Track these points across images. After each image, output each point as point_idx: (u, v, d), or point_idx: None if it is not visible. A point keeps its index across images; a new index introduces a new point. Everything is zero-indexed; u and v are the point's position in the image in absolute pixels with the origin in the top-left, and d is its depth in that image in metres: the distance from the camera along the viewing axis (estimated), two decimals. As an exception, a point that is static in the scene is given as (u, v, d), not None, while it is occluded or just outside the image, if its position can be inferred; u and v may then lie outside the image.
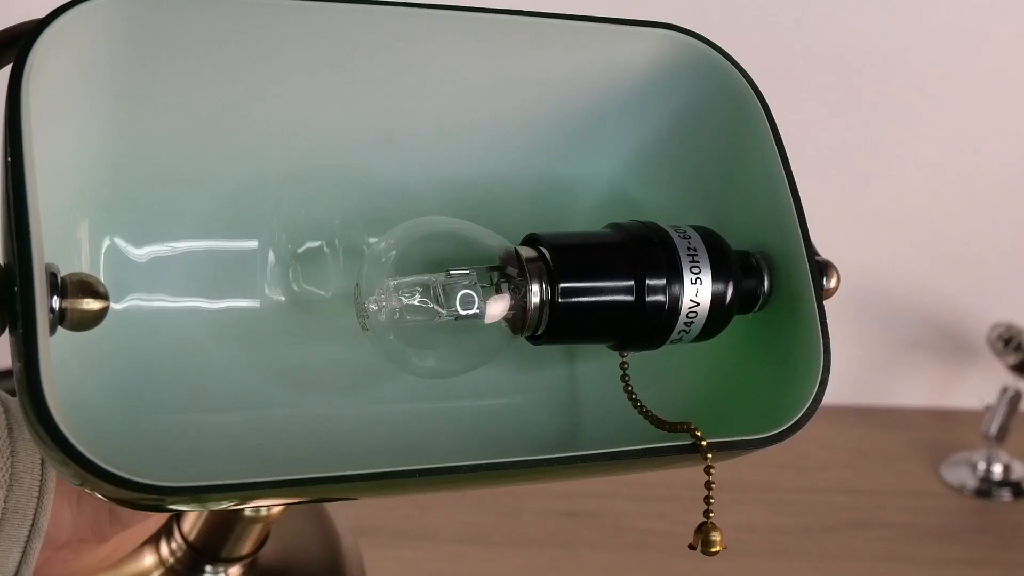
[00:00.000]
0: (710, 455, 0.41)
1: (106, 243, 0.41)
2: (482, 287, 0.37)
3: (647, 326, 0.38)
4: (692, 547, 0.41)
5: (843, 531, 1.04)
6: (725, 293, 0.40)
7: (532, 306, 0.37)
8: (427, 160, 0.42)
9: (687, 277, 0.38)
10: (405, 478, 0.34)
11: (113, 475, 0.33)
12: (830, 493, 1.09)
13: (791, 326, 0.42)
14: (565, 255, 0.38)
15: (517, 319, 0.37)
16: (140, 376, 0.42)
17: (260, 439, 0.42)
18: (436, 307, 0.36)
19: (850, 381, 1.25)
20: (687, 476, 1.18)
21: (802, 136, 1.20)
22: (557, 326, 0.37)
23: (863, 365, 1.25)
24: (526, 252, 0.38)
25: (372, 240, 0.41)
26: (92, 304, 0.34)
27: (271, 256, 0.42)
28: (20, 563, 0.41)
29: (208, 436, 0.42)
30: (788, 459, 1.15)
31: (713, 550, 0.41)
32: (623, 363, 0.41)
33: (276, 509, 0.54)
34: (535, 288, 0.37)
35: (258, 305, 0.42)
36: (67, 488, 0.43)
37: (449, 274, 0.37)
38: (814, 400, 0.43)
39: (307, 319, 0.43)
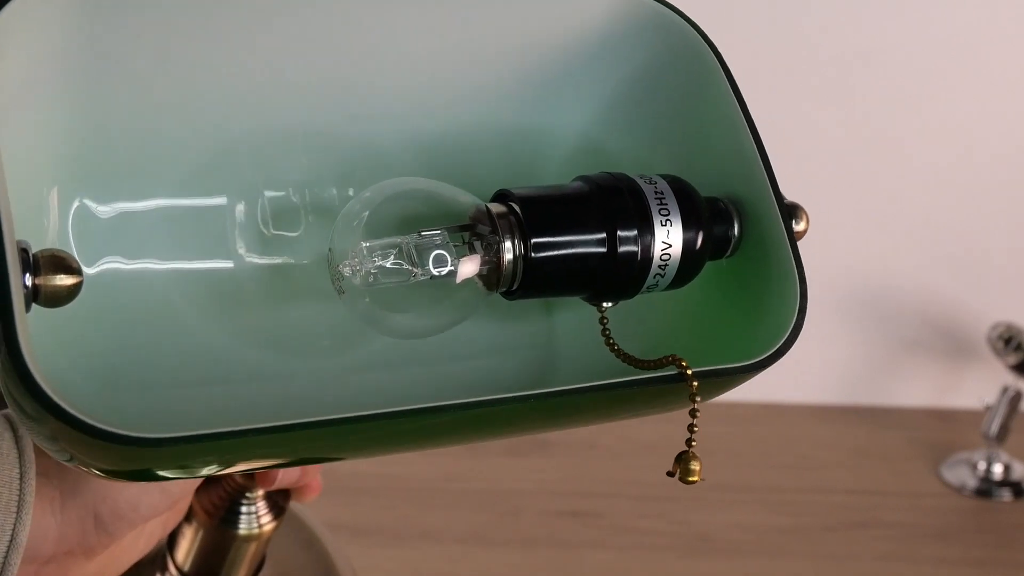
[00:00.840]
0: (695, 383, 0.41)
1: (75, 205, 0.41)
2: (455, 246, 0.37)
3: (620, 276, 0.39)
4: (671, 474, 0.42)
5: (843, 531, 1.04)
6: (696, 239, 0.40)
7: (505, 262, 0.37)
8: (396, 118, 0.42)
9: (657, 225, 0.38)
10: (386, 420, 0.34)
11: (102, 430, 0.32)
12: (830, 493, 1.09)
13: (765, 268, 0.43)
14: (536, 209, 0.38)
15: (491, 275, 0.38)
16: (114, 348, 0.41)
17: (239, 410, 0.41)
18: (410, 267, 0.36)
19: (850, 381, 1.25)
20: (687, 476, 1.17)
21: (803, 136, 1.20)
22: (531, 280, 0.38)
23: (863, 365, 1.25)
24: (497, 208, 0.38)
25: (344, 195, 0.41)
26: (65, 280, 0.34)
27: (242, 215, 0.42)
28: None
29: (187, 409, 0.41)
30: (788, 459, 1.15)
31: (691, 479, 0.42)
32: (602, 317, 0.41)
33: (268, 526, 0.52)
34: (508, 244, 0.37)
35: (231, 266, 0.42)
36: (50, 497, 0.43)
37: (420, 235, 0.37)
38: (795, 326, 0.44)
39: (282, 282, 0.42)
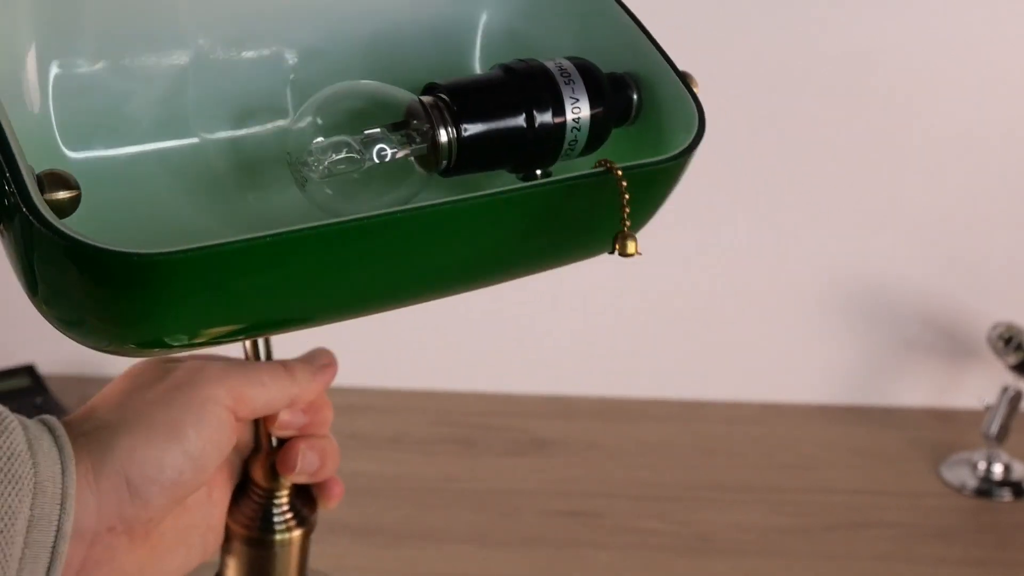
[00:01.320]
0: (620, 171, 0.45)
1: (54, 72, 0.45)
2: (394, 137, 0.43)
3: (539, 148, 0.45)
4: (610, 252, 0.48)
5: (843, 531, 1.04)
6: (601, 110, 0.46)
7: (441, 146, 0.43)
8: (338, 22, 0.47)
9: (567, 101, 0.45)
10: (375, 223, 0.40)
11: (110, 250, 0.37)
12: (830, 493, 1.09)
13: (668, 122, 0.50)
14: (462, 98, 0.44)
15: (429, 159, 0.44)
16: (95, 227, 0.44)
17: None
18: (358, 157, 0.42)
19: (850, 381, 1.25)
20: (687, 476, 1.19)
21: (802, 136, 1.20)
22: (463, 160, 0.44)
23: (863, 365, 1.25)
24: (428, 100, 0.44)
25: (297, 99, 0.47)
26: (65, 194, 0.39)
27: (195, 91, 0.47)
28: (49, 567, 0.44)
29: None
30: (788, 459, 1.15)
31: (629, 252, 0.47)
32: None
33: (299, 530, 0.54)
34: (442, 131, 0.43)
35: (197, 141, 0.47)
36: (84, 471, 0.46)
37: (364, 134, 0.42)
38: (699, 127, 0.51)
39: (251, 176, 0.48)
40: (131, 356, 0.48)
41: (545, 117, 0.45)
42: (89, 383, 1.25)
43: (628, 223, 0.46)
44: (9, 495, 0.43)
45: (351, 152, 0.43)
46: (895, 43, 1.16)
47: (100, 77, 0.46)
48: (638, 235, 0.50)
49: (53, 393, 1.21)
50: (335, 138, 0.43)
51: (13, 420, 0.46)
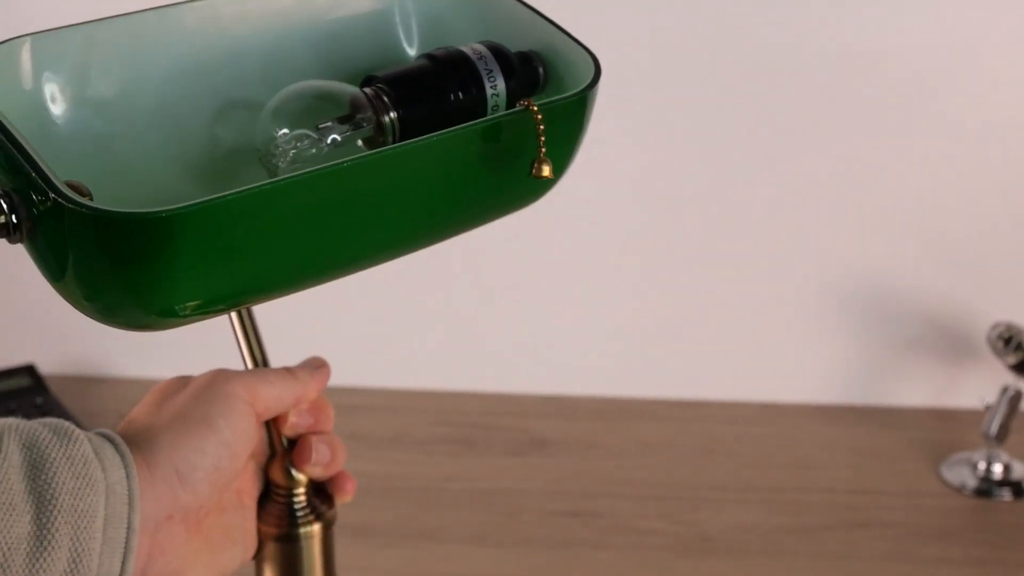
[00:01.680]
0: (535, 106, 0.52)
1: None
2: (344, 126, 0.52)
3: (466, 122, 0.52)
4: (527, 175, 0.53)
5: (843, 531, 1.04)
6: (514, 83, 0.54)
7: (385, 127, 0.52)
8: (289, 27, 0.57)
9: (485, 80, 0.53)
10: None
11: (121, 213, 0.44)
12: (830, 493, 1.09)
13: (573, 81, 0.56)
14: (399, 86, 0.53)
15: (376, 140, 0.52)
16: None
17: None
18: (316, 146, 0.51)
19: (850, 381, 1.25)
20: (687, 476, 1.19)
21: (802, 135, 1.20)
22: (404, 137, 0.52)
23: (863, 365, 1.25)
24: (371, 91, 0.53)
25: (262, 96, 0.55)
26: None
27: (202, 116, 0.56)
28: (124, 559, 0.50)
29: None
30: (788, 459, 1.15)
31: (545, 175, 0.52)
32: None
33: (318, 522, 0.60)
34: (385, 117, 0.52)
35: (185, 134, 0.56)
36: (141, 470, 0.52)
37: (318, 127, 0.51)
38: (595, 70, 0.56)
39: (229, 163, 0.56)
40: (162, 328, 0.52)
41: (469, 94, 0.53)
42: (89, 383, 1.25)
43: (544, 150, 0.52)
44: (88, 496, 0.49)
45: (310, 142, 0.51)
46: (895, 43, 1.16)
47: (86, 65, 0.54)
48: (562, 177, 0.56)
49: (53, 393, 1.21)
50: (296, 131, 0.51)
51: (79, 432, 0.51)
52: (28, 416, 1.24)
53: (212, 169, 0.56)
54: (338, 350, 1.29)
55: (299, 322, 0.61)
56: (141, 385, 1.27)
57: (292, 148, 0.51)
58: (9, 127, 0.46)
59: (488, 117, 0.53)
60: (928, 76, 1.17)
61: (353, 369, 1.28)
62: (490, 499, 1.08)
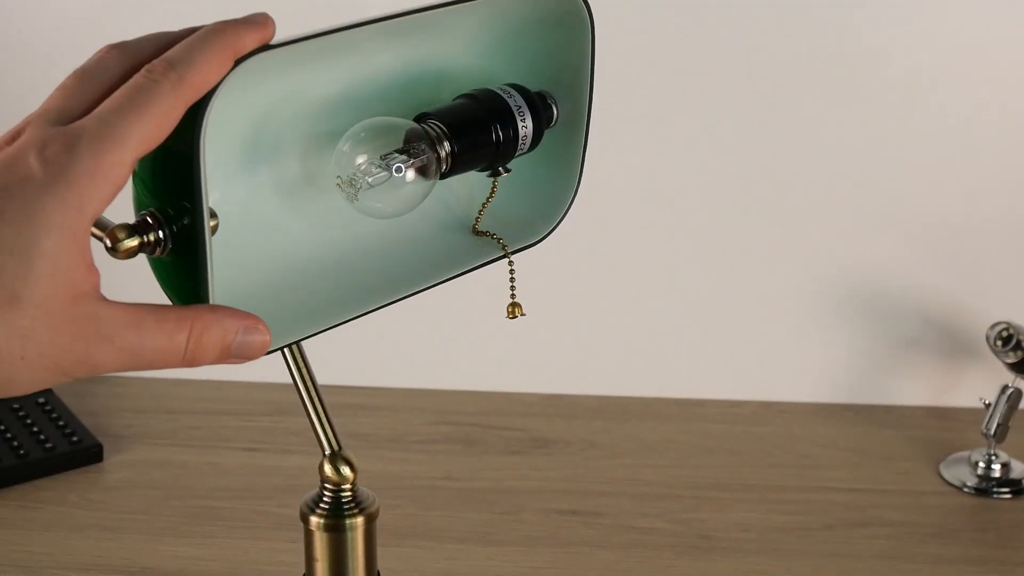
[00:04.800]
0: (511, 254, 0.65)
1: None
2: (402, 156, 0.59)
3: (503, 152, 0.62)
4: (507, 318, 0.66)
5: (843, 530, 1.04)
6: (539, 123, 0.63)
7: (442, 158, 0.60)
8: (365, 79, 0.63)
9: (517, 117, 0.62)
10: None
11: None
12: (830, 492, 1.10)
13: (570, 133, 0.65)
14: (451, 123, 0.60)
15: (430, 168, 0.60)
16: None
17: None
18: (386, 172, 0.58)
19: (850, 380, 1.25)
20: (687, 475, 1.19)
21: (803, 135, 1.20)
22: (455, 166, 0.61)
23: (863, 364, 1.25)
24: (427, 125, 0.61)
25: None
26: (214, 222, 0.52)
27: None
28: None
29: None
30: (788, 458, 1.15)
31: (516, 316, 0.67)
32: (494, 182, 0.66)
33: (360, 515, 0.65)
34: (441, 150, 0.60)
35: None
36: None
37: (382, 157, 0.58)
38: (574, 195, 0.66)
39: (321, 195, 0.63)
40: None
41: (506, 131, 0.62)
42: (92, 382, 1.26)
43: (515, 295, 0.66)
44: None
45: (380, 169, 0.58)
46: (895, 44, 1.16)
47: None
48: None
49: (56, 392, 1.22)
50: (370, 159, 0.59)
51: None
52: (32, 416, 1.24)
53: (296, 190, 0.61)
54: (338, 350, 1.29)
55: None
56: (143, 385, 1.27)
57: (369, 175, 0.58)
58: (202, 149, 0.48)
59: (471, 266, 0.65)
60: (928, 76, 1.17)
61: (353, 369, 1.28)
62: (490, 498, 1.09)
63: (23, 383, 0.44)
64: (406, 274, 0.64)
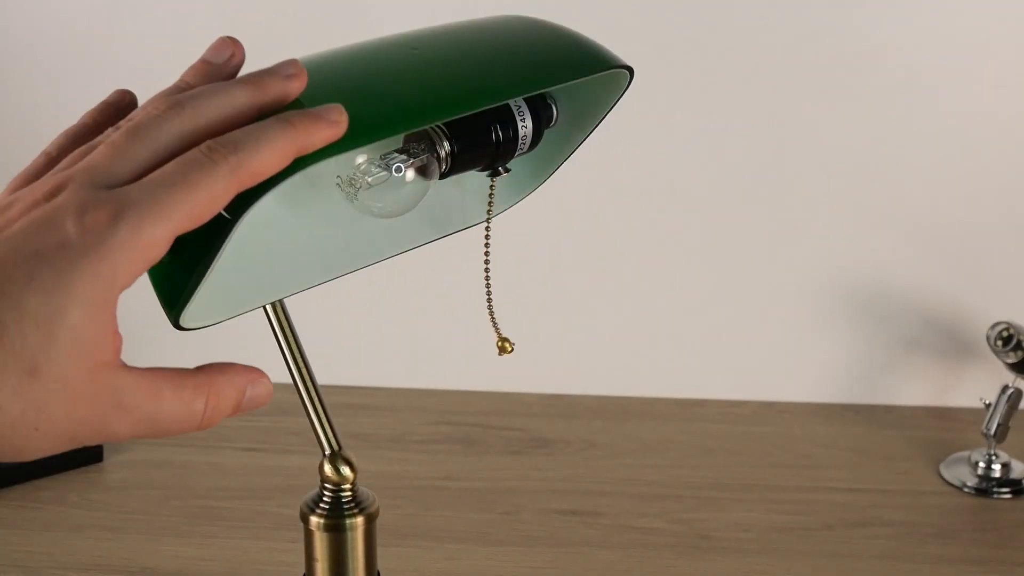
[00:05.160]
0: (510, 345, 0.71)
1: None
2: (402, 156, 0.60)
3: (503, 152, 0.62)
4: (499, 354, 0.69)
5: (843, 530, 1.04)
6: (539, 124, 0.63)
7: (441, 158, 0.60)
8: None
9: (518, 119, 0.62)
10: None
11: None
12: (830, 492, 1.10)
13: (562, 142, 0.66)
14: (451, 122, 0.60)
15: (431, 168, 0.61)
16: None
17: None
18: (386, 172, 0.58)
19: (850, 380, 1.25)
20: (687, 475, 1.19)
21: (803, 135, 1.20)
22: (455, 166, 0.61)
23: (863, 365, 1.25)
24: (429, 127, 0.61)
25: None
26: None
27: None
28: None
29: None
30: (788, 458, 1.15)
31: (508, 351, 0.73)
32: (491, 184, 0.65)
33: (359, 515, 0.64)
34: (441, 150, 0.60)
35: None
36: None
37: (381, 156, 0.58)
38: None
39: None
40: None
41: (506, 131, 0.62)
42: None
43: (500, 334, 0.74)
44: None
45: (380, 168, 0.58)
46: (895, 44, 1.16)
47: None
48: None
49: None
50: (369, 159, 0.59)
51: None
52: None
53: (295, 190, 0.61)
54: (338, 350, 1.30)
55: (299, 322, 0.61)
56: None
57: (368, 175, 0.58)
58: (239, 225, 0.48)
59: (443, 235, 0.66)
60: (928, 76, 1.17)
61: (353, 369, 1.28)
62: (490, 498, 1.09)
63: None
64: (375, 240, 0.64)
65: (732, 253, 1.23)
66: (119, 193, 0.42)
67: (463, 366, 1.28)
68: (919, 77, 1.17)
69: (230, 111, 0.46)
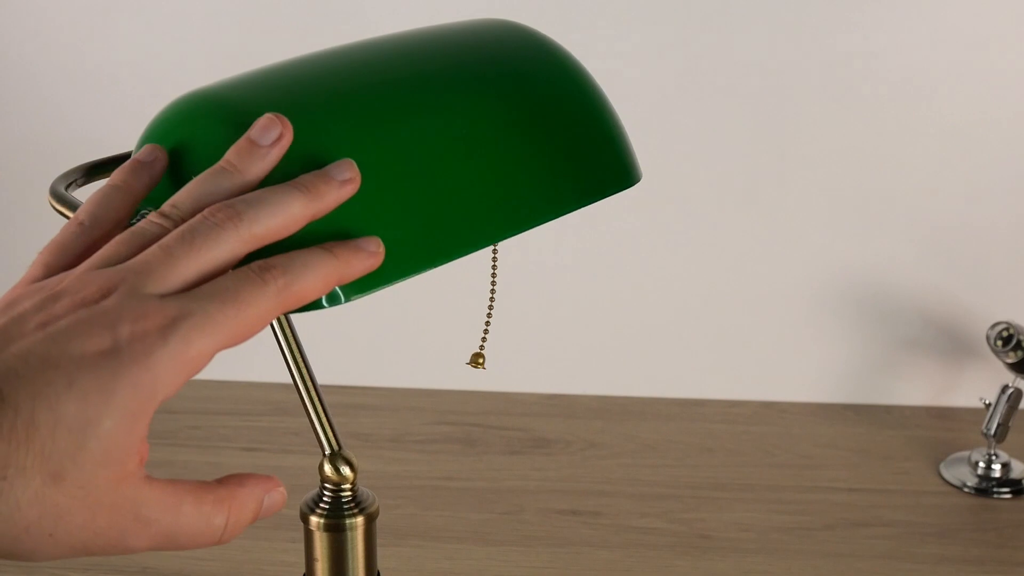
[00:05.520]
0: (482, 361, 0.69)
1: None
2: None
3: None
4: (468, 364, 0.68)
5: (843, 530, 1.04)
6: None
7: None
8: None
9: None
10: None
11: None
12: (830, 492, 1.10)
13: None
14: None
15: None
16: None
17: None
18: None
19: (850, 380, 1.25)
20: (687, 475, 1.19)
21: (803, 135, 1.20)
22: None
23: (863, 365, 1.25)
24: None
25: None
26: None
27: None
28: None
29: None
30: (788, 458, 1.15)
31: (479, 365, 0.71)
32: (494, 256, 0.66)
33: (359, 515, 0.64)
34: None
35: None
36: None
37: None
38: None
39: None
40: None
41: None
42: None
43: (484, 347, 0.72)
44: None
45: None
46: (895, 44, 1.16)
47: None
48: None
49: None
50: None
51: None
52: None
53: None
54: (338, 350, 1.30)
55: (299, 322, 0.61)
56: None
57: None
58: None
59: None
60: (928, 76, 1.17)
61: (353, 369, 1.28)
62: (490, 498, 1.09)
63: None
64: None
65: (732, 253, 1.23)
66: (170, 304, 0.42)
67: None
68: (920, 78, 1.17)
69: (286, 221, 0.46)
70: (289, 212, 0.46)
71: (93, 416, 0.40)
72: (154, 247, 0.44)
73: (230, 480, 0.46)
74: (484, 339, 0.71)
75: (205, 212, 0.45)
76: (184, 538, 0.44)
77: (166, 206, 0.46)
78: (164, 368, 0.41)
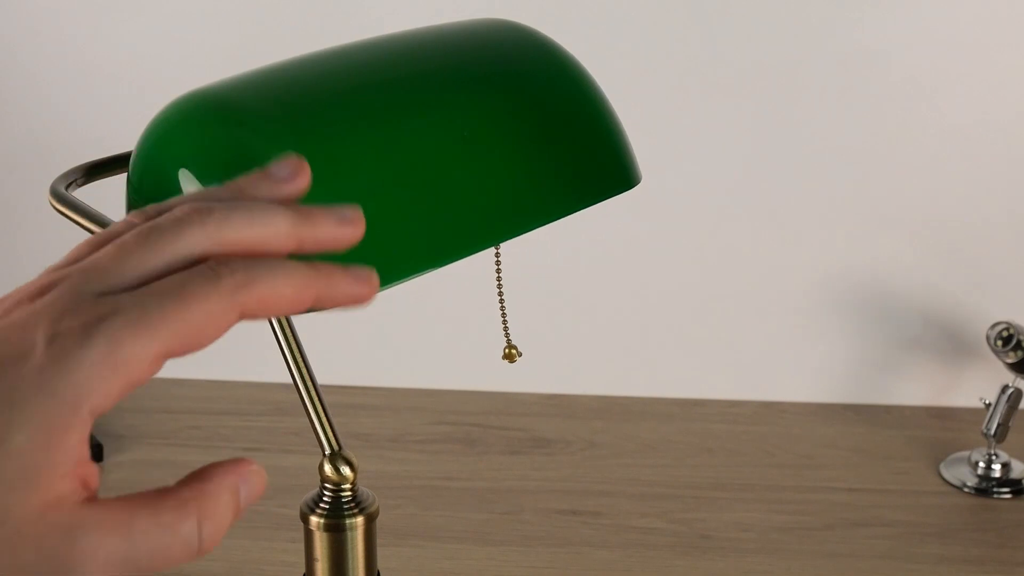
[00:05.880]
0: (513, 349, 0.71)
1: None
2: None
3: None
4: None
5: (843, 530, 1.04)
6: None
7: None
8: None
9: None
10: None
11: None
12: (830, 492, 1.10)
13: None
14: None
15: None
16: None
17: None
18: None
19: (850, 380, 1.25)
20: (687, 475, 1.19)
21: (803, 135, 1.20)
22: None
23: (863, 365, 1.25)
24: None
25: None
26: None
27: None
28: None
29: None
30: (788, 458, 1.15)
31: (515, 359, 0.74)
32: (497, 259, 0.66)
33: (359, 515, 0.64)
34: None
35: None
36: None
37: None
38: None
39: None
40: None
41: None
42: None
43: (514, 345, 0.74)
44: None
45: None
46: (896, 44, 1.16)
47: None
48: None
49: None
50: None
51: None
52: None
53: None
54: (338, 350, 1.30)
55: (299, 322, 0.61)
56: (150, 384, 1.27)
57: None
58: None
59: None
60: (928, 76, 1.17)
61: (353, 369, 1.28)
62: (490, 498, 1.09)
63: None
64: None
65: (732, 253, 1.23)
66: (104, 302, 0.35)
67: (463, 366, 1.28)
68: (920, 78, 1.17)
69: (264, 234, 0.38)
70: (270, 225, 0.38)
71: (2, 431, 0.33)
72: (110, 244, 0.38)
73: (192, 478, 0.40)
74: (507, 334, 0.74)
75: (174, 208, 0.38)
76: (148, 560, 0.36)
77: (149, 206, 0.40)
78: (86, 373, 0.34)
